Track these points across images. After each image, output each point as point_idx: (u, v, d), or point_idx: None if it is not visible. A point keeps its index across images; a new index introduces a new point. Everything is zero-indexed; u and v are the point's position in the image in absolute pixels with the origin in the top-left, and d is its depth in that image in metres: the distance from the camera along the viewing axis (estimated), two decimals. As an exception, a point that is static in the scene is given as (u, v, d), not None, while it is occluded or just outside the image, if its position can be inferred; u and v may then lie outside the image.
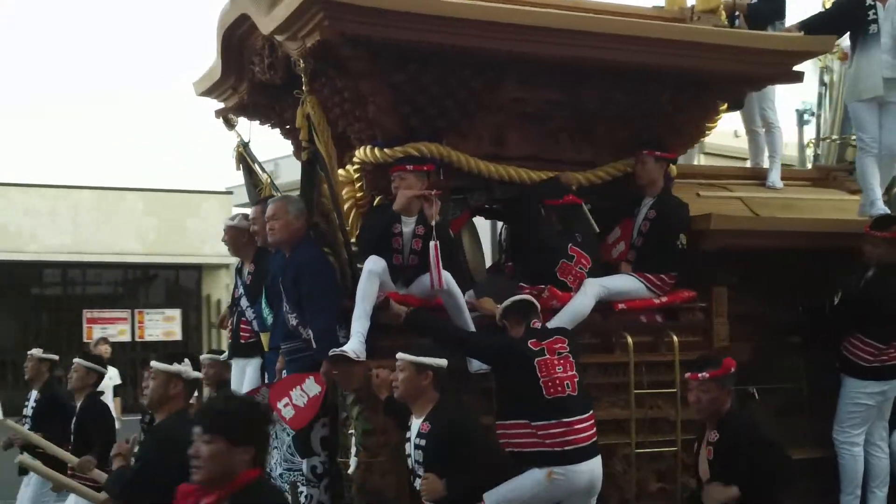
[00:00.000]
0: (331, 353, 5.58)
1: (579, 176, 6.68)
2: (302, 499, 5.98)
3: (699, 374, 5.19)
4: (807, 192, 7.86)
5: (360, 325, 5.69)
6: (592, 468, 5.49)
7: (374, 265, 5.79)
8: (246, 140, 7.33)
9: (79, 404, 7.65)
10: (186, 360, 4.97)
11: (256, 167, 7.43)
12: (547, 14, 6.13)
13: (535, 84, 6.52)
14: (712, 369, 5.19)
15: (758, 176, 8.01)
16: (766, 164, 8.22)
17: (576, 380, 5.52)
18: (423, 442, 5.21)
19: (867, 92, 7.32)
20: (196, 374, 5.03)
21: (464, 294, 6.55)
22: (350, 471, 5.74)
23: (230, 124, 7.16)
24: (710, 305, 6.71)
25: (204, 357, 7.66)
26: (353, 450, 5.71)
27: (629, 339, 6.31)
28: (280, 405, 5.90)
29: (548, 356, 5.50)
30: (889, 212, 7.15)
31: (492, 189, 6.56)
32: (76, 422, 7.57)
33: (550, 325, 6.11)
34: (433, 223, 5.90)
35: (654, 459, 6.45)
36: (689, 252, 6.64)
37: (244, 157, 7.18)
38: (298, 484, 6.00)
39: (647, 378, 6.46)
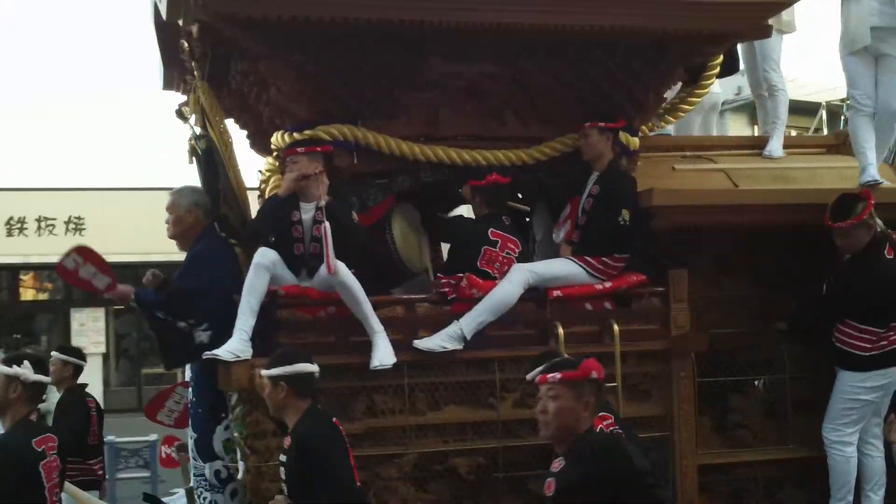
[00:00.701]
0: (204, 355, 5.31)
1: (523, 154, 6.18)
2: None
3: (549, 376, 4.07)
4: (813, 160, 7.04)
5: (243, 321, 5.39)
6: None
7: (260, 258, 5.47)
8: (199, 132, 7.11)
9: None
10: (26, 361, 4.79)
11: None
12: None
13: (468, 57, 6.03)
14: (567, 371, 4.04)
15: (761, 145, 7.25)
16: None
17: None
18: (284, 458, 4.86)
19: (856, 43, 6.45)
20: (37, 377, 4.84)
21: (398, 286, 6.19)
22: (239, 475, 5.45)
23: (183, 117, 6.93)
24: (668, 290, 6.06)
25: (53, 356, 7.49)
26: (240, 454, 5.42)
27: (560, 329, 5.75)
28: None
29: None
30: (877, 180, 6.32)
31: (419, 172, 6.13)
32: (53, 416, 7.58)
33: (470, 315, 5.68)
34: (321, 204, 5.55)
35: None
36: (647, 232, 6.04)
37: (196, 151, 6.98)
38: (202, 489, 5.74)
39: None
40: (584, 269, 5.94)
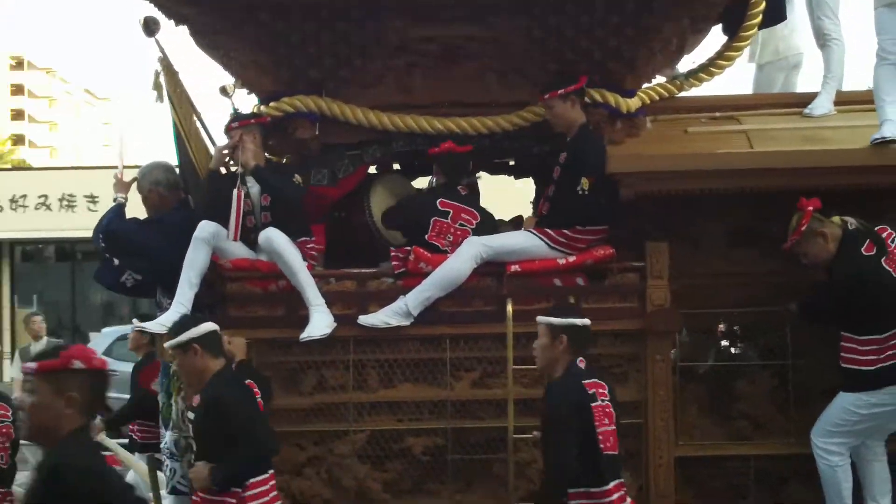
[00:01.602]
0: (134, 327, 5.44)
1: (502, 120, 5.86)
2: (167, 472, 5.86)
3: (26, 366, 3.29)
4: (861, 118, 6.15)
5: (181, 294, 5.46)
6: None
7: (199, 231, 5.50)
8: None
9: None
10: None
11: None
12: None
13: (438, 19, 5.77)
14: (47, 361, 3.21)
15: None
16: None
17: None
18: (192, 416, 4.92)
19: None
20: None
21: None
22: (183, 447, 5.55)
23: (227, 94, 6.82)
24: (646, 265, 5.55)
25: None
26: (180, 425, 5.51)
27: (509, 307, 5.41)
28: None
29: None
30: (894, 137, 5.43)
31: (392, 142, 5.95)
32: None
33: (416, 291, 5.48)
34: (240, 170, 5.56)
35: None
36: (624, 201, 5.56)
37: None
38: (164, 458, 5.89)
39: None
40: (545, 242, 5.56)
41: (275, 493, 4.90)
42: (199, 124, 5.96)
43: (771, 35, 7.15)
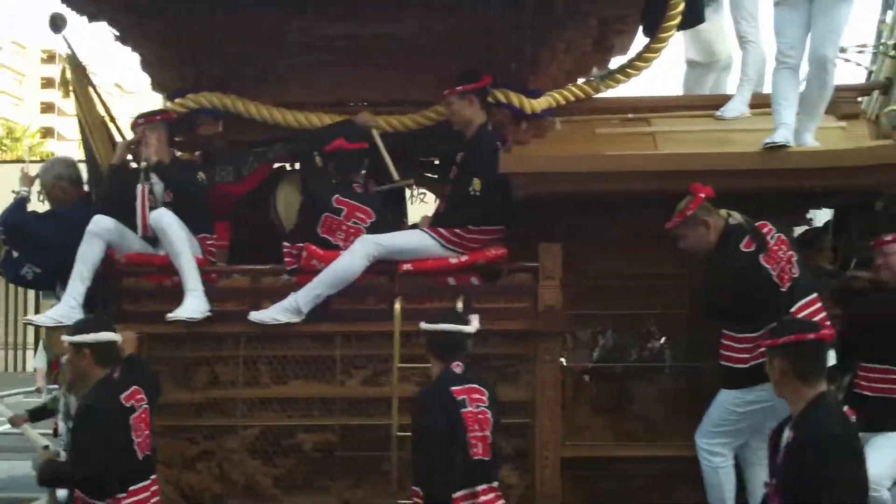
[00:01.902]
0: (24, 320, 5.49)
1: (407, 119, 5.87)
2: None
3: None
4: (770, 121, 6.06)
5: (72, 288, 5.51)
6: None
7: (92, 226, 5.54)
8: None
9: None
10: None
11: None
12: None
13: (346, 17, 5.78)
14: None
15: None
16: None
17: None
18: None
19: None
20: None
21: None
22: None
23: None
24: (540, 266, 5.52)
25: None
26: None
27: (397, 305, 5.41)
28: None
29: None
30: (786, 142, 5.37)
31: (295, 139, 5.96)
32: None
33: (306, 288, 5.49)
34: (143, 166, 5.59)
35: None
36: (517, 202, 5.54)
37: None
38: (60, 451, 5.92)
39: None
40: (438, 241, 5.56)
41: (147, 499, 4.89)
42: (107, 120, 6.01)
43: (698, 37, 7.13)
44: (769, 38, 6.57)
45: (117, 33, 5.90)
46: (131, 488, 4.74)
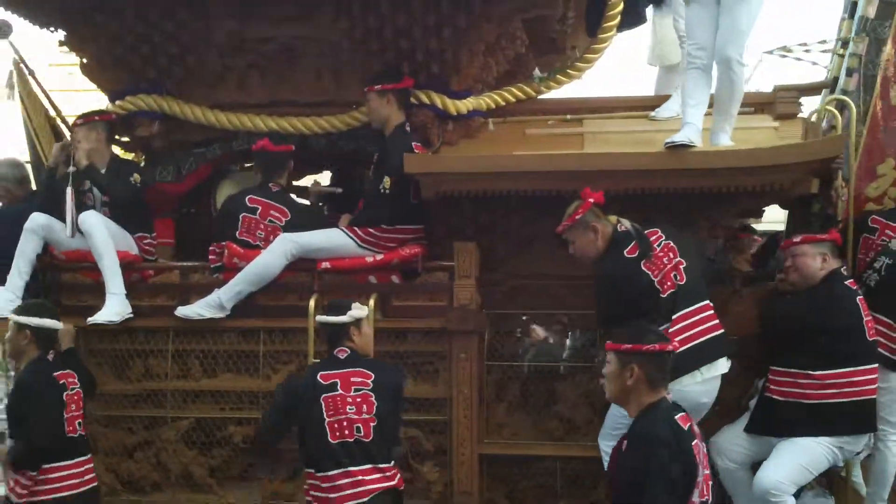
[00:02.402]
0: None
1: (335, 120, 6.00)
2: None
3: None
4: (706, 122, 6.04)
5: (10, 282, 5.76)
6: None
7: (29, 223, 5.79)
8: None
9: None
10: None
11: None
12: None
13: (272, 19, 5.93)
14: None
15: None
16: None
17: None
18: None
19: None
20: None
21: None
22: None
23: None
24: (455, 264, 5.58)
25: None
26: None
27: (311, 302, 5.53)
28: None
29: None
30: (688, 142, 5.33)
31: (232, 141, 6.14)
32: None
33: (229, 285, 5.66)
34: (70, 170, 5.77)
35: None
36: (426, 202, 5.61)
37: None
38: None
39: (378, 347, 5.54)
40: (354, 240, 5.68)
41: (75, 480, 5.16)
42: (57, 121, 6.26)
43: (664, 39, 7.10)
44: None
45: (61, 38, 6.13)
46: (56, 464, 5.08)
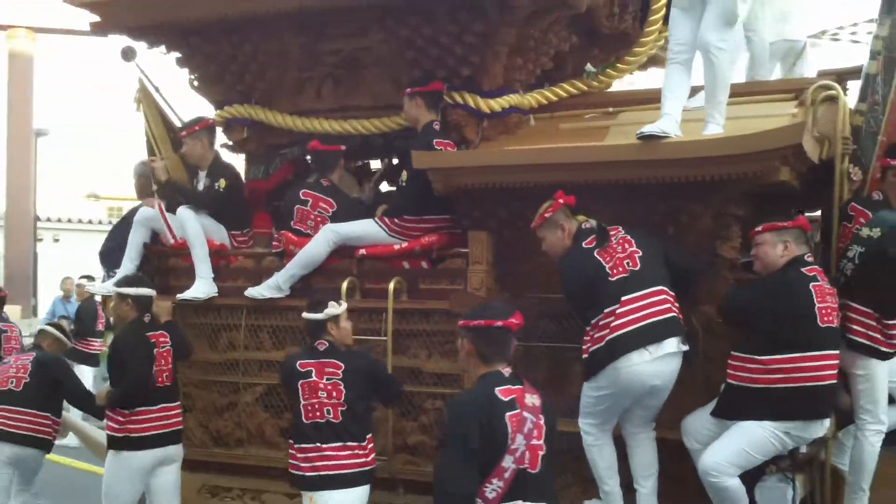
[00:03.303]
0: (87, 287, 6.94)
1: (388, 121, 6.65)
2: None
3: None
4: (750, 109, 6.02)
5: (123, 266, 6.92)
6: None
7: (138, 216, 6.94)
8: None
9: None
10: None
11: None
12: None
13: (333, 35, 6.72)
14: None
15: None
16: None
17: None
18: None
19: None
20: None
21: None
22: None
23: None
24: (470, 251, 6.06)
25: None
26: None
27: (344, 285, 6.21)
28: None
29: None
30: (660, 132, 5.42)
31: (307, 142, 6.92)
32: None
33: (284, 269, 6.47)
34: (154, 188, 6.94)
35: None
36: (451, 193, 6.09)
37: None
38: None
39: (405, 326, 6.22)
40: (384, 229, 6.31)
41: (159, 423, 6.24)
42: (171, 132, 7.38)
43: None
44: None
45: (177, 57, 7.22)
46: (144, 408, 6.19)
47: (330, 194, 6.56)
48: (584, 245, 5.33)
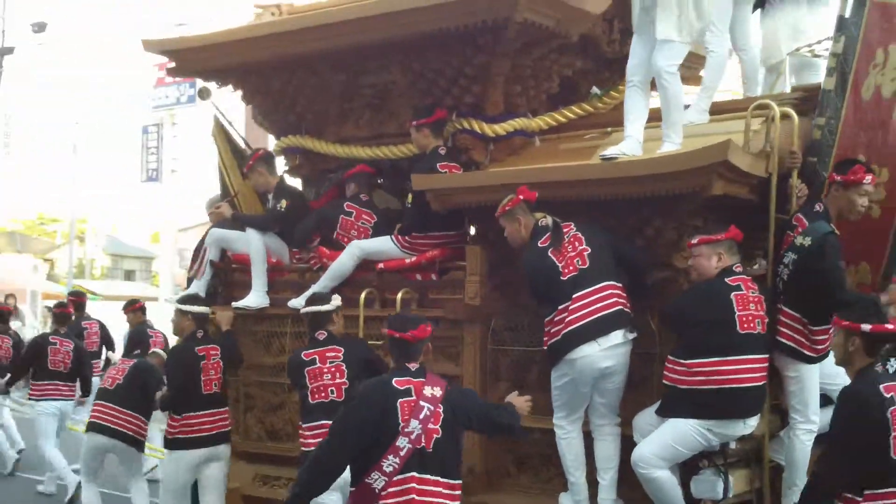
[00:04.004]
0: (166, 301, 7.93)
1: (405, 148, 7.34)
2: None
3: None
4: (729, 125, 6.35)
5: (195, 283, 7.94)
6: None
7: (208, 237, 7.94)
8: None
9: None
10: None
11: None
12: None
13: (364, 71, 7.46)
14: None
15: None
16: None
17: None
18: None
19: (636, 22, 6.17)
20: None
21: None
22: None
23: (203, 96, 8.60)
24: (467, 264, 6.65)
25: None
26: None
27: (363, 296, 6.93)
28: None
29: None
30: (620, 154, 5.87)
31: (348, 166, 7.69)
32: None
33: (319, 282, 7.25)
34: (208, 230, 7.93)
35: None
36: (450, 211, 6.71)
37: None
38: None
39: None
40: (397, 245, 6.99)
41: (207, 425, 7.22)
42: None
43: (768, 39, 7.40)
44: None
45: (241, 95, 8.19)
46: (193, 413, 7.19)
47: (370, 208, 7.35)
48: (539, 244, 5.88)
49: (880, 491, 4.53)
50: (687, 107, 6.60)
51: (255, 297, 7.62)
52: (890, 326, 4.66)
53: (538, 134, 7.16)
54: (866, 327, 4.64)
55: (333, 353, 6.34)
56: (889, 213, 5.80)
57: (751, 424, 5.47)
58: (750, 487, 5.82)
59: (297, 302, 7.37)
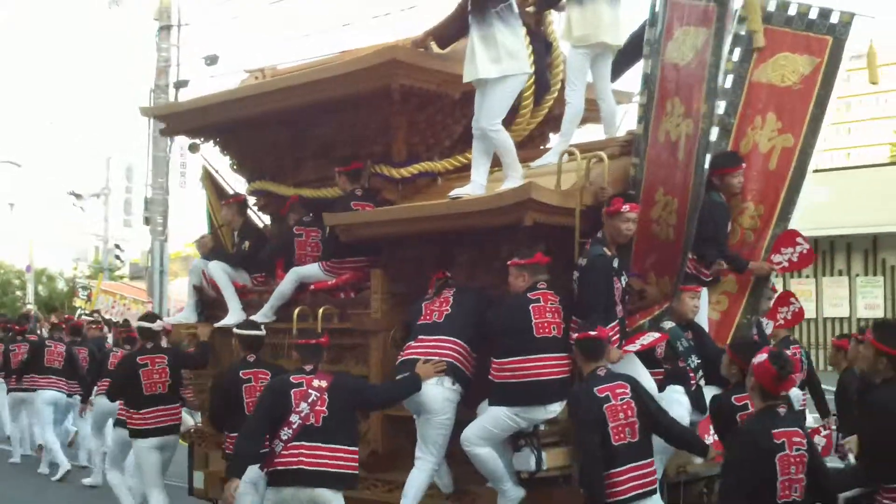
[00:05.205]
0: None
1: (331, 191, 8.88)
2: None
3: None
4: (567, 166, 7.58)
5: (187, 305, 9.66)
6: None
7: (192, 266, 9.61)
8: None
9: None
10: None
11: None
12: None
13: (309, 124, 9.05)
14: None
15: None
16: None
17: None
18: None
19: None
20: None
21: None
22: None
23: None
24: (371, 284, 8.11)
25: None
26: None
27: (296, 312, 8.45)
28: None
29: None
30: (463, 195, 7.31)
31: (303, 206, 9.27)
32: None
33: (270, 300, 8.83)
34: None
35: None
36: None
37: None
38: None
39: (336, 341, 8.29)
40: (322, 270, 8.52)
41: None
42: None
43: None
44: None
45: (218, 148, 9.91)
46: (147, 409, 9.03)
47: (314, 224, 8.84)
48: (426, 295, 7.47)
49: None
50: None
51: (233, 316, 9.22)
52: (593, 333, 6.26)
53: (443, 174, 8.58)
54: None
55: (263, 377, 8.03)
56: (679, 234, 7.00)
57: (552, 410, 6.71)
58: (569, 462, 6.97)
59: (255, 317, 8.96)
